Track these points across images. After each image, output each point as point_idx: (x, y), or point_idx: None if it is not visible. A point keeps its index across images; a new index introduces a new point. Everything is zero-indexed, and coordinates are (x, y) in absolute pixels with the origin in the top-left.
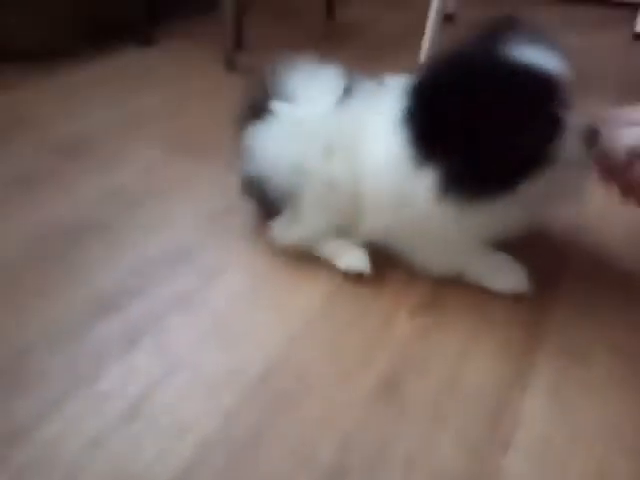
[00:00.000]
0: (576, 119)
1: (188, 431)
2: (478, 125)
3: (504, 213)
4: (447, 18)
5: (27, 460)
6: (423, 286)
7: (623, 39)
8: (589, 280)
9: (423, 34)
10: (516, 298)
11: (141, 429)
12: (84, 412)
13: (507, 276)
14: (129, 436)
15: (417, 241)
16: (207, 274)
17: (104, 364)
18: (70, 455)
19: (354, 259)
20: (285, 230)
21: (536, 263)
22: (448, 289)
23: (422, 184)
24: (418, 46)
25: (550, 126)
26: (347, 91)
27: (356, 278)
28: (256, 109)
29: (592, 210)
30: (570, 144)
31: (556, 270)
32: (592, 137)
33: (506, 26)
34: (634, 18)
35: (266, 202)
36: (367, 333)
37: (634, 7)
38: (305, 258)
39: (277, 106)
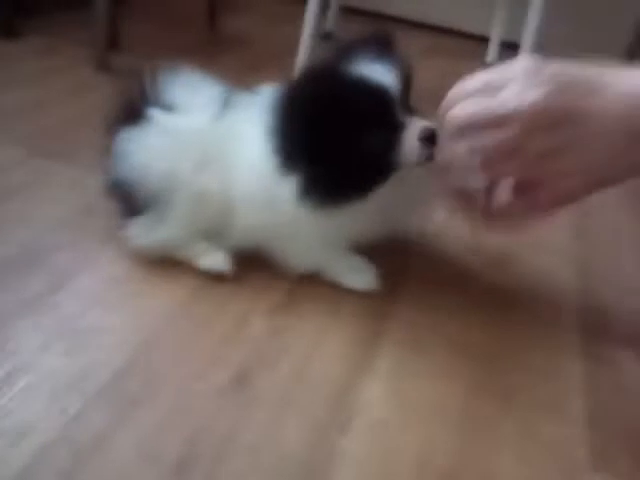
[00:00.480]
0: (417, 125)
1: (27, 435)
2: (326, 135)
3: (359, 217)
4: (326, 36)
5: None
6: (281, 287)
7: (476, 66)
8: (430, 282)
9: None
10: (365, 297)
11: None
12: None
13: (359, 275)
14: None
15: (281, 242)
16: (60, 276)
17: None
18: None
19: (215, 260)
20: (145, 231)
21: (386, 265)
22: (304, 290)
23: (286, 189)
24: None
25: (386, 134)
26: (224, 103)
27: (214, 280)
28: (131, 112)
29: (438, 219)
30: (409, 148)
31: (402, 272)
32: (429, 137)
33: (362, 43)
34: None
35: (130, 204)
36: (222, 333)
37: (486, 41)
38: (164, 261)
39: (154, 113)
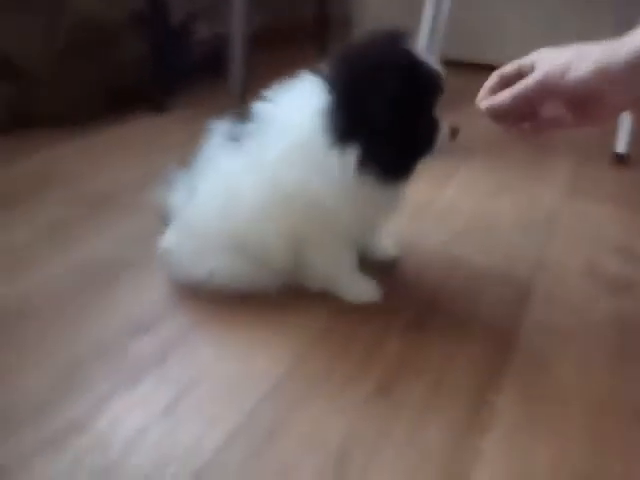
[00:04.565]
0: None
1: (216, 425)
2: (393, 110)
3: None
4: None
5: (86, 444)
6: (408, 310)
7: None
8: (556, 302)
9: None
10: (494, 315)
11: (177, 422)
12: (128, 409)
13: (362, 289)
14: (168, 427)
15: (311, 247)
16: (224, 299)
17: (141, 373)
18: (121, 442)
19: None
20: None
21: (502, 303)
22: (430, 313)
23: (341, 164)
24: None
25: (436, 119)
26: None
27: (351, 304)
28: None
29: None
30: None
31: (526, 297)
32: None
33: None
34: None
35: None
36: (364, 349)
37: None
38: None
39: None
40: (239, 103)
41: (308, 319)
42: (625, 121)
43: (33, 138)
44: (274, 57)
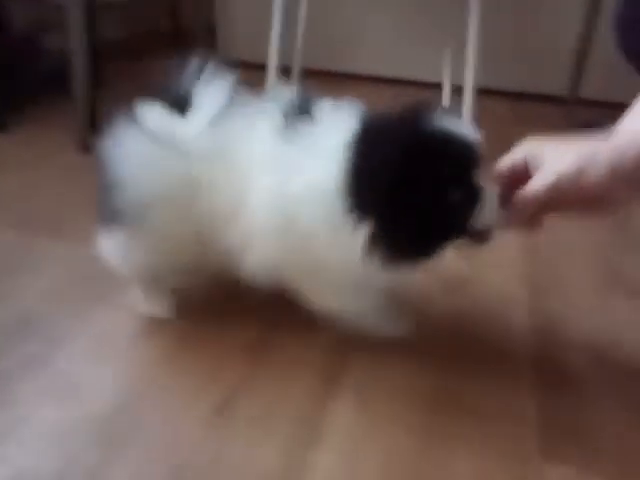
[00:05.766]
0: (495, 189)
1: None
2: (409, 187)
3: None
4: None
5: None
6: (255, 324)
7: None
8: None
9: None
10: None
11: None
12: None
13: (391, 323)
14: None
15: (312, 280)
16: (55, 338)
17: None
18: None
19: (157, 305)
20: (116, 246)
21: None
22: (278, 329)
23: (353, 238)
24: None
25: (470, 194)
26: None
27: (197, 323)
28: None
29: None
30: (490, 212)
31: None
32: (503, 201)
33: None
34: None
35: (110, 210)
36: (203, 370)
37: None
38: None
39: (148, 114)
40: (83, 118)
41: (146, 350)
42: None
43: None
44: (128, 70)
